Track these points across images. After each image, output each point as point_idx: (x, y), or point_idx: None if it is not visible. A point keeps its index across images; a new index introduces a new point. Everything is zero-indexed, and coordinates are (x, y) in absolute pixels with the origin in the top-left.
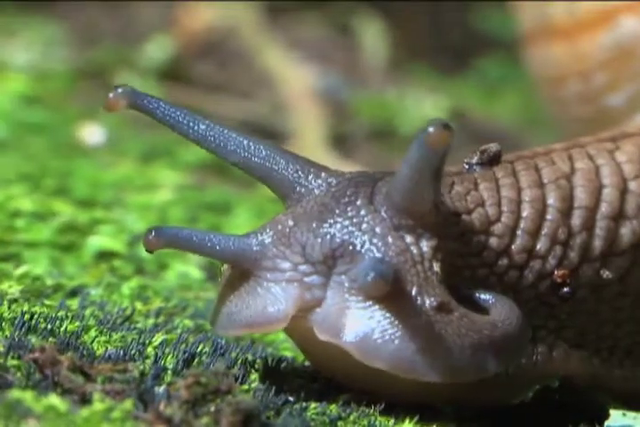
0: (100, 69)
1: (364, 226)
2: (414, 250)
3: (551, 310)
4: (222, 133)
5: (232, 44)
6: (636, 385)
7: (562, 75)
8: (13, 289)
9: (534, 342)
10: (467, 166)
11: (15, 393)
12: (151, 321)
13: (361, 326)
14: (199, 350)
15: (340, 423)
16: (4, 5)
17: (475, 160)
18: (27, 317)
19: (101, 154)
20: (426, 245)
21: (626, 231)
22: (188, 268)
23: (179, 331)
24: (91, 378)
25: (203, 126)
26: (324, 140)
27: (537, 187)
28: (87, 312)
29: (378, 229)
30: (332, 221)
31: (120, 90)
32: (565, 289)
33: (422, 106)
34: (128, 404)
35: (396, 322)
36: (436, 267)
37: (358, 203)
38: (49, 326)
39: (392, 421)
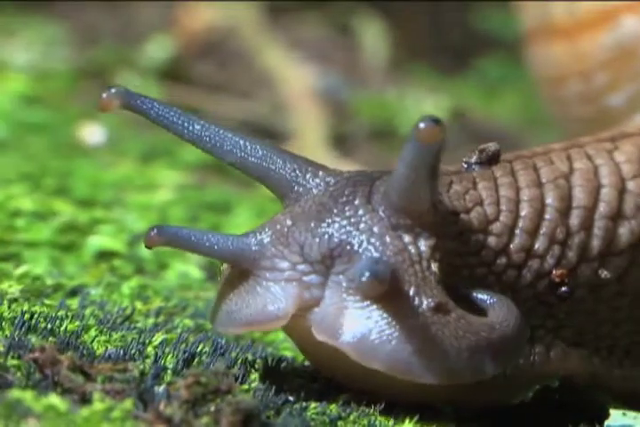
0: (101, 69)
1: (362, 225)
2: (412, 249)
3: (549, 309)
4: (218, 134)
5: (232, 44)
6: (636, 385)
7: (562, 74)
8: (13, 289)
9: (532, 342)
10: (465, 165)
11: (15, 393)
12: (151, 321)
13: (358, 326)
14: (199, 349)
15: (339, 423)
16: (3, 5)
17: (473, 159)
18: (27, 316)
19: (101, 154)
20: (424, 245)
21: (624, 231)
22: (188, 267)
23: (179, 330)
24: (91, 378)
25: (198, 126)
26: (324, 140)
27: (535, 186)
28: (87, 312)
29: (375, 229)
30: (330, 220)
31: (113, 90)
32: (563, 289)
33: (422, 106)
34: (128, 403)
35: (393, 323)
36: (434, 267)
37: (356, 202)
38: (49, 326)
39: (392, 421)
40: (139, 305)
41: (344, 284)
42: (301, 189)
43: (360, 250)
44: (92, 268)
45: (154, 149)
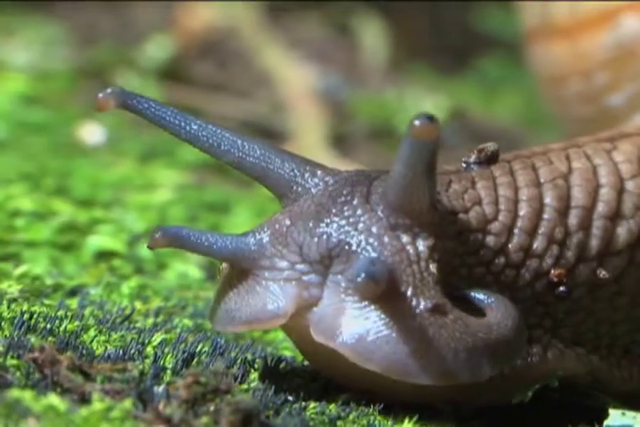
0: (100, 69)
1: (361, 225)
2: (410, 250)
3: (547, 308)
4: (215, 133)
5: (232, 43)
6: (635, 384)
7: (563, 74)
8: (13, 289)
9: (530, 342)
10: (464, 165)
11: (14, 393)
12: (150, 321)
13: (355, 327)
14: (198, 349)
15: (339, 423)
16: (3, 5)
17: (472, 159)
18: (26, 316)
19: (101, 154)
20: (422, 245)
21: (622, 231)
22: (188, 267)
23: (178, 330)
24: (90, 378)
25: (194, 126)
26: (323, 139)
27: (534, 186)
28: (86, 312)
29: (374, 229)
30: (328, 220)
31: (109, 90)
32: (562, 288)
33: (422, 106)
34: (127, 403)
35: (390, 324)
36: (433, 267)
37: (354, 202)
38: (48, 326)
39: (391, 420)
40: (138, 305)
41: (342, 284)
42: (300, 188)
43: (358, 250)
44: (92, 268)
45: (153, 148)
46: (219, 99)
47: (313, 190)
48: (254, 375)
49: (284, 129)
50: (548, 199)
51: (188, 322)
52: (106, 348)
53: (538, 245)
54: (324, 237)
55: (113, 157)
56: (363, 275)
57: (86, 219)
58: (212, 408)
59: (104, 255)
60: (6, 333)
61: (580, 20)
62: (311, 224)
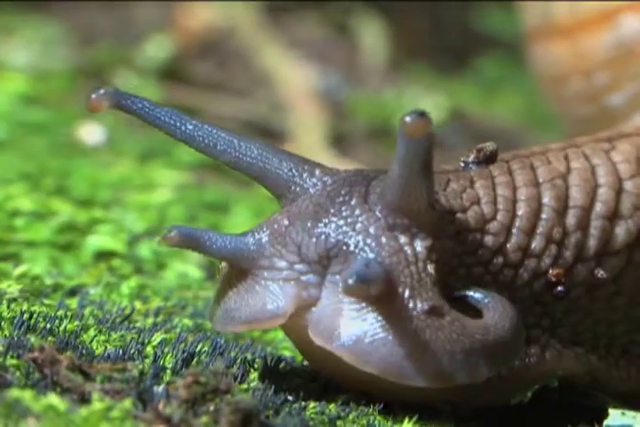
0: (99, 69)
1: (359, 226)
2: (408, 250)
3: (545, 308)
4: (211, 133)
5: (231, 43)
6: (634, 384)
7: (563, 74)
8: (12, 288)
9: (527, 342)
10: (463, 165)
11: (14, 392)
12: (150, 320)
13: (353, 329)
14: (198, 349)
15: (339, 423)
16: (2, 5)
17: (471, 158)
18: (26, 316)
19: (101, 153)
20: (420, 246)
21: (620, 231)
22: (187, 267)
23: (178, 330)
24: (90, 377)
25: (190, 126)
26: (323, 139)
27: (532, 186)
28: (86, 312)
29: (372, 230)
30: (326, 220)
31: (102, 91)
32: (560, 288)
33: (421, 105)
34: (127, 403)
35: (387, 326)
36: (430, 268)
37: (353, 202)
38: (48, 326)
39: (391, 420)
40: (138, 305)
41: (340, 284)
42: (298, 188)
43: (356, 251)
44: (91, 267)
45: (153, 148)
46: (218, 99)
47: (311, 190)
48: (254, 375)
49: (284, 129)
50: (546, 199)
51: (187, 322)
52: (105, 348)
53: (536, 244)
54: (322, 237)
55: (112, 156)
56: (354, 277)
57: (86, 219)
58: (211, 408)
59: (104, 255)
60: (6, 332)
61: (580, 19)
62: (309, 224)
